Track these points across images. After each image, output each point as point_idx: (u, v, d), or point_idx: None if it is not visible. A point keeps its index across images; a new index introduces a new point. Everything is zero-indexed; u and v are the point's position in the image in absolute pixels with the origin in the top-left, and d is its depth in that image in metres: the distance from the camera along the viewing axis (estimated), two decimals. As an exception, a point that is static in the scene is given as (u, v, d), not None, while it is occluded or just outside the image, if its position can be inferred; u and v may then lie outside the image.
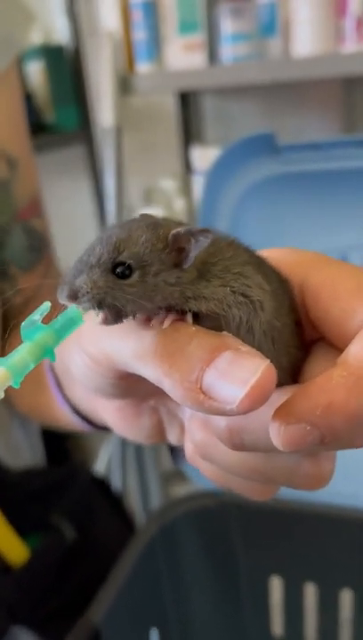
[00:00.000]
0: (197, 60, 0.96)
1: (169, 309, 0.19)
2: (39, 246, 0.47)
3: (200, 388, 0.17)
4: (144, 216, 0.20)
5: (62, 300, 0.19)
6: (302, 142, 0.53)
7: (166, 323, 0.19)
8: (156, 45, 0.97)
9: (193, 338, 0.18)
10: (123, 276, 0.19)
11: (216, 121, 1.34)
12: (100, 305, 0.18)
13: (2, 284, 0.45)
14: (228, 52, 0.95)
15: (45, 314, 0.19)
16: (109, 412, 0.27)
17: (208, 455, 0.22)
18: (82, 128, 1.29)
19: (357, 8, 0.86)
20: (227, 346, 0.18)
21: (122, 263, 0.19)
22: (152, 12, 0.95)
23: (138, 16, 0.95)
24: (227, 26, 0.94)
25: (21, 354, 0.18)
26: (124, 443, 1.08)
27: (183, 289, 0.19)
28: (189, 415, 0.24)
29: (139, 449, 1.26)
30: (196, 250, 0.19)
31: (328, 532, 0.44)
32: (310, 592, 0.46)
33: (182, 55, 0.97)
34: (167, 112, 1.31)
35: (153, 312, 0.19)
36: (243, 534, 0.46)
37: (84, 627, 0.35)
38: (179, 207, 1.11)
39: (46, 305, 0.19)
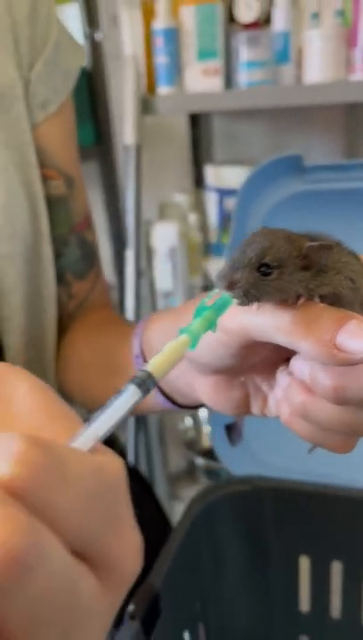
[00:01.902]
0: (214, 84, 1.02)
1: (298, 297, 0.24)
2: (91, 256, 0.52)
3: (334, 345, 0.22)
4: (273, 229, 0.26)
5: (221, 288, 0.24)
6: (328, 163, 0.58)
7: (300, 302, 0.24)
8: (176, 70, 1.02)
9: (324, 311, 0.24)
10: (265, 274, 0.24)
11: (224, 140, 1.39)
12: (246, 293, 0.23)
13: (58, 289, 0.49)
14: (243, 77, 1.00)
15: (212, 298, 0.24)
16: (205, 386, 0.31)
17: (308, 413, 0.26)
18: (97, 144, 1.34)
19: (366, 40, 0.91)
20: (351, 316, 0.23)
21: (266, 264, 0.24)
22: (173, 38, 1.01)
23: (160, 42, 1.01)
24: (243, 53, 0.99)
25: (195, 326, 0.23)
26: (134, 444, 1.11)
27: (307, 283, 0.24)
28: (286, 385, 0.28)
29: (148, 451, 1.30)
30: (325, 259, 0.24)
31: (355, 513, 0.48)
32: (337, 571, 0.50)
33: (201, 79, 1.02)
34: (178, 131, 1.37)
35: (284, 300, 0.24)
36: (274, 516, 0.50)
37: (147, 590, 0.39)
38: (192, 221, 1.15)
39: (215, 291, 0.24)
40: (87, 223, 0.51)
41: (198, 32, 1.00)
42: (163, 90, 1.03)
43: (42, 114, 0.47)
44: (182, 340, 0.22)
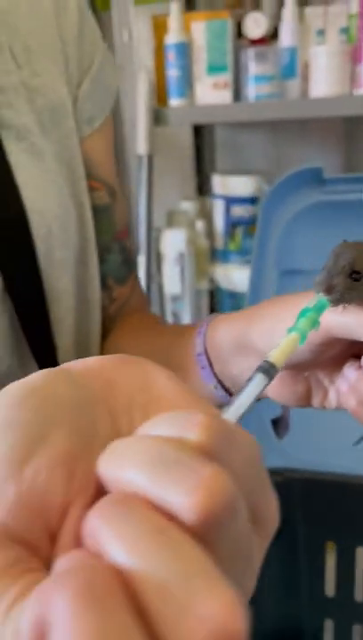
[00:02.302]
0: (223, 97, 1.05)
1: None
2: (130, 262, 0.55)
3: None
4: (356, 242, 0.29)
5: (320, 291, 0.27)
6: (346, 175, 0.62)
7: None
8: (187, 83, 1.06)
9: None
10: (356, 280, 0.27)
11: (226, 151, 1.43)
12: (342, 297, 0.27)
13: (101, 293, 0.52)
14: (252, 91, 1.04)
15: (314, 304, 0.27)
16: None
17: None
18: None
19: (370, 57, 0.95)
20: None
21: (356, 272, 0.27)
22: (185, 53, 1.04)
23: (172, 56, 1.04)
24: (251, 68, 1.03)
25: (302, 325, 0.26)
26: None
27: None
28: (354, 378, 0.31)
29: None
30: None
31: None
32: (361, 556, 0.53)
33: (211, 92, 1.06)
34: (182, 142, 1.40)
35: None
36: (303, 505, 0.53)
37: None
38: (199, 228, 1.19)
39: (317, 296, 0.27)
40: (127, 231, 0.54)
41: (208, 47, 1.04)
42: (174, 102, 1.06)
43: (88, 129, 0.50)
44: (294, 337, 0.25)
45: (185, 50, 1.04)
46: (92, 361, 0.20)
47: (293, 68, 1.04)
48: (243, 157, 1.41)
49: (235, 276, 1.17)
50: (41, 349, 0.44)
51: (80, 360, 0.20)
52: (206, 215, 1.24)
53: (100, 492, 0.16)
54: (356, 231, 0.64)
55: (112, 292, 0.53)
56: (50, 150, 0.45)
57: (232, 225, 1.17)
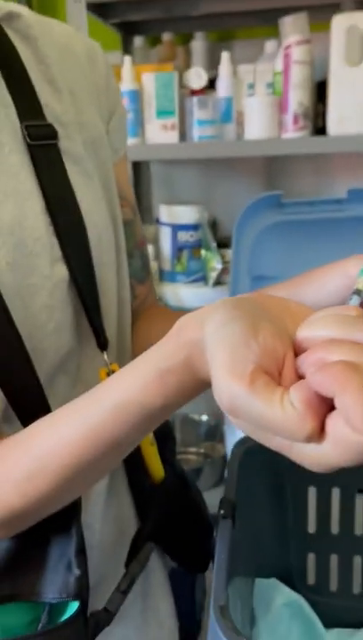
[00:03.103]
0: (171, 137, 1.20)
1: None
2: (147, 266, 0.66)
3: None
4: None
5: None
6: (298, 200, 0.77)
7: None
8: (139, 125, 1.19)
9: None
10: None
11: (161, 184, 1.57)
12: None
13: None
14: (195, 132, 1.19)
15: None
16: None
17: None
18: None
19: (295, 107, 1.14)
20: None
21: None
22: (137, 99, 1.18)
23: (125, 101, 1.17)
24: (195, 113, 1.18)
25: None
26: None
27: None
28: None
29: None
30: None
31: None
32: (335, 496, 0.66)
33: (160, 133, 1.19)
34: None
35: None
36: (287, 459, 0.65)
37: (228, 502, 0.53)
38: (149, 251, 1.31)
39: None
40: (144, 241, 0.65)
41: (157, 94, 1.18)
42: (128, 141, 1.18)
43: (116, 157, 0.61)
44: None
45: (137, 96, 1.18)
46: (253, 294, 0.32)
47: (229, 114, 1.20)
48: (175, 190, 1.55)
49: (182, 294, 1.30)
50: (96, 334, 0.54)
51: (245, 294, 0.32)
52: (152, 240, 1.36)
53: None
54: (307, 243, 0.79)
55: (135, 291, 0.64)
56: (95, 174, 0.56)
57: (178, 249, 1.30)
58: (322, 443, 0.28)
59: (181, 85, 1.22)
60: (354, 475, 0.66)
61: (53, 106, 0.53)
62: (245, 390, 0.28)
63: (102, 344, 0.54)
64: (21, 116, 0.51)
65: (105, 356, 0.54)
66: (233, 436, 1.26)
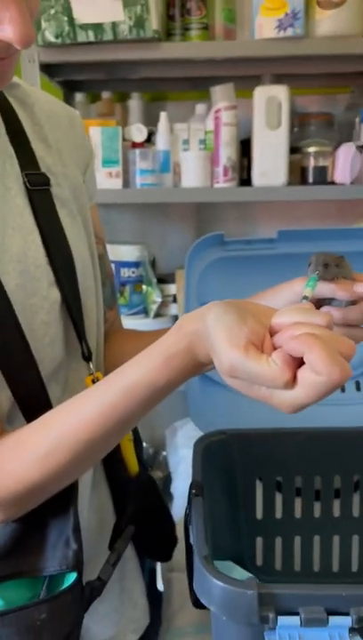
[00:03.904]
0: (115, 184, 1.31)
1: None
2: (115, 294, 0.75)
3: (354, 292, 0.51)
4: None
5: (314, 272, 0.51)
6: (238, 239, 0.90)
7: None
8: (87, 172, 1.30)
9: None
10: (326, 266, 0.52)
11: (106, 225, 1.67)
12: (322, 274, 0.51)
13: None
14: (138, 180, 1.31)
15: None
16: None
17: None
18: None
19: (224, 161, 1.29)
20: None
21: (326, 264, 0.51)
22: (85, 149, 1.29)
23: (75, 151, 1.28)
24: (137, 163, 1.31)
25: (310, 285, 0.50)
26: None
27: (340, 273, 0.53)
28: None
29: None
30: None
31: (290, 446, 0.76)
32: (278, 485, 0.77)
33: (105, 180, 1.31)
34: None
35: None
36: (240, 454, 0.76)
37: (197, 483, 0.62)
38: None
39: (313, 275, 0.51)
40: (112, 273, 0.75)
41: (103, 146, 1.30)
42: (77, 186, 1.29)
43: (90, 202, 0.71)
44: (309, 290, 0.50)
45: (85, 147, 1.29)
46: (234, 300, 0.43)
47: (167, 165, 1.34)
48: (118, 230, 1.65)
49: (125, 325, 1.39)
50: (81, 347, 0.63)
51: (227, 300, 0.43)
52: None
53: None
54: (246, 274, 0.91)
55: (105, 315, 0.73)
56: (78, 215, 0.66)
57: (121, 284, 1.40)
58: (295, 388, 0.39)
59: (123, 139, 1.35)
60: (295, 466, 0.78)
61: (45, 159, 0.63)
62: (241, 355, 0.40)
63: (86, 356, 0.63)
64: (22, 165, 0.60)
65: (91, 365, 0.63)
66: (176, 456, 1.35)
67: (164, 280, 1.46)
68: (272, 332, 0.43)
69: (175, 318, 1.44)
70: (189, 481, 1.11)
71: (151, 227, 1.62)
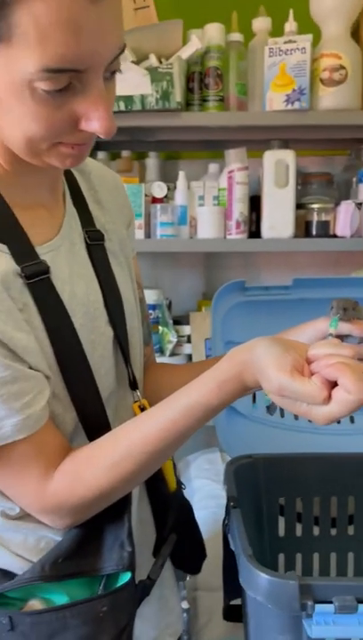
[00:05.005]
0: (138, 235, 1.42)
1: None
2: (151, 333, 0.85)
3: None
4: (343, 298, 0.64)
5: (336, 315, 0.60)
6: (259, 285, 1.00)
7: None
8: (112, 223, 1.41)
9: None
10: (345, 310, 0.61)
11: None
12: (343, 317, 0.60)
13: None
14: (158, 231, 1.42)
15: None
16: None
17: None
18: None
19: (237, 215, 1.41)
20: None
21: (345, 308, 0.61)
22: (111, 203, 1.40)
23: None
24: (158, 217, 1.42)
25: (333, 325, 0.59)
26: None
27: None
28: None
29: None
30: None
31: (311, 470, 0.84)
32: (299, 506, 0.85)
33: (129, 231, 1.42)
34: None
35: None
36: (264, 476, 0.84)
37: (232, 496, 0.70)
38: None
39: (334, 317, 0.61)
40: (148, 314, 0.85)
41: (127, 201, 1.41)
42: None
43: (132, 253, 0.81)
44: (333, 330, 0.59)
45: (111, 201, 1.40)
46: (273, 336, 0.53)
47: (184, 219, 1.46)
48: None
49: (143, 364, 1.48)
50: (129, 377, 0.71)
51: (270, 336, 0.53)
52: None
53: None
54: (264, 317, 1.01)
55: (143, 350, 0.82)
56: (125, 265, 0.76)
57: (140, 325, 1.50)
58: (330, 404, 0.49)
59: (145, 194, 1.47)
60: (314, 488, 0.85)
61: (100, 218, 0.73)
62: (288, 378, 0.50)
63: (134, 385, 0.72)
64: (83, 224, 0.70)
65: (137, 393, 0.72)
66: (190, 488, 1.41)
67: (178, 321, 1.55)
68: (309, 362, 0.53)
69: (189, 357, 1.53)
70: (204, 511, 1.18)
71: (164, 272, 1.72)
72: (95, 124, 0.53)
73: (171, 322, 1.51)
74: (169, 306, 1.57)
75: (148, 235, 1.44)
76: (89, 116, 0.53)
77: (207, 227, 1.43)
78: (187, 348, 1.53)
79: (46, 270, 0.60)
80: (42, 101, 0.51)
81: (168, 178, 1.58)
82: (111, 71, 0.54)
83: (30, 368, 0.57)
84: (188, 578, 1.00)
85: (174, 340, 1.49)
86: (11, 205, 0.60)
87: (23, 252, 0.59)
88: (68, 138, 0.55)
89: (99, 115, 0.53)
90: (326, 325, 0.63)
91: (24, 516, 0.62)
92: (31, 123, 0.52)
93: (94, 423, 0.64)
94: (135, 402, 0.72)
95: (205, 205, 1.47)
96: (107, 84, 0.54)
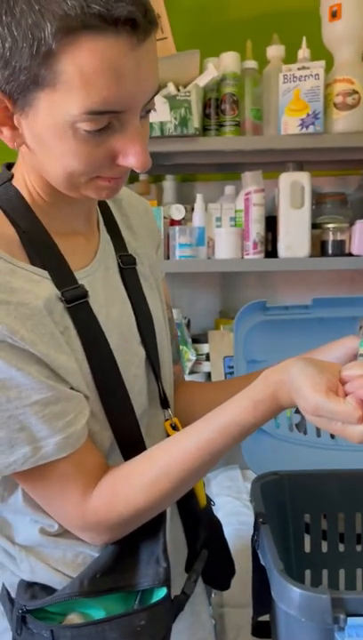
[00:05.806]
0: (157, 255, 1.45)
1: None
2: (179, 352, 0.87)
3: None
4: None
5: None
6: (279, 305, 1.02)
7: None
8: (133, 245, 1.44)
9: None
10: None
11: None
12: None
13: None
14: (177, 252, 1.46)
15: None
16: None
17: None
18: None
19: (254, 236, 1.44)
20: None
21: None
22: (132, 226, 1.44)
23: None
24: (176, 238, 1.46)
25: None
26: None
27: None
28: None
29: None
30: None
31: (336, 487, 0.85)
32: (324, 522, 0.86)
33: (149, 252, 1.45)
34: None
35: None
36: (290, 493, 0.85)
37: (261, 513, 0.72)
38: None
39: None
40: (176, 334, 0.87)
41: (147, 223, 1.45)
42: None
43: (161, 276, 0.84)
44: None
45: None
46: (306, 358, 0.55)
47: (202, 240, 1.49)
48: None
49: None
50: (160, 396, 0.74)
51: (304, 357, 0.55)
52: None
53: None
54: (285, 336, 1.03)
55: (172, 369, 0.84)
56: (155, 287, 0.78)
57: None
58: None
59: (163, 216, 1.50)
60: (337, 502, 0.87)
61: (131, 243, 0.76)
62: (324, 398, 0.52)
63: (165, 403, 0.74)
64: (116, 249, 0.73)
65: (169, 411, 0.74)
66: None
67: (196, 340, 1.58)
68: (342, 382, 0.55)
69: (208, 375, 1.55)
70: (227, 527, 1.19)
71: (183, 292, 1.75)
72: (132, 159, 0.57)
73: (190, 340, 1.53)
74: (188, 324, 1.60)
75: (167, 256, 1.47)
76: (126, 153, 0.56)
77: (225, 247, 1.46)
78: (206, 366, 1.55)
79: (85, 294, 0.63)
80: (83, 140, 0.54)
81: (185, 200, 1.61)
82: (147, 110, 0.57)
83: (71, 388, 0.60)
84: (213, 594, 1.01)
85: (194, 358, 1.52)
86: (51, 234, 0.63)
87: (63, 277, 0.62)
88: (106, 172, 0.58)
89: (135, 151, 0.56)
90: (354, 344, 0.65)
91: (63, 533, 0.64)
92: (72, 159, 0.56)
93: (129, 441, 0.66)
94: (166, 420, 0.74)
95: (222, 227, 1.50)
96: (142, 122, 0.57)
